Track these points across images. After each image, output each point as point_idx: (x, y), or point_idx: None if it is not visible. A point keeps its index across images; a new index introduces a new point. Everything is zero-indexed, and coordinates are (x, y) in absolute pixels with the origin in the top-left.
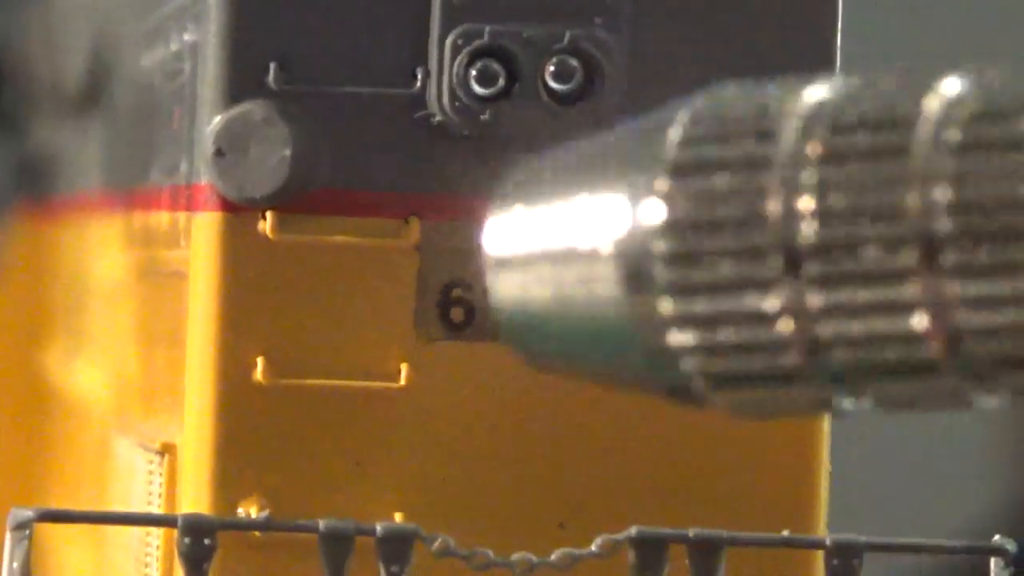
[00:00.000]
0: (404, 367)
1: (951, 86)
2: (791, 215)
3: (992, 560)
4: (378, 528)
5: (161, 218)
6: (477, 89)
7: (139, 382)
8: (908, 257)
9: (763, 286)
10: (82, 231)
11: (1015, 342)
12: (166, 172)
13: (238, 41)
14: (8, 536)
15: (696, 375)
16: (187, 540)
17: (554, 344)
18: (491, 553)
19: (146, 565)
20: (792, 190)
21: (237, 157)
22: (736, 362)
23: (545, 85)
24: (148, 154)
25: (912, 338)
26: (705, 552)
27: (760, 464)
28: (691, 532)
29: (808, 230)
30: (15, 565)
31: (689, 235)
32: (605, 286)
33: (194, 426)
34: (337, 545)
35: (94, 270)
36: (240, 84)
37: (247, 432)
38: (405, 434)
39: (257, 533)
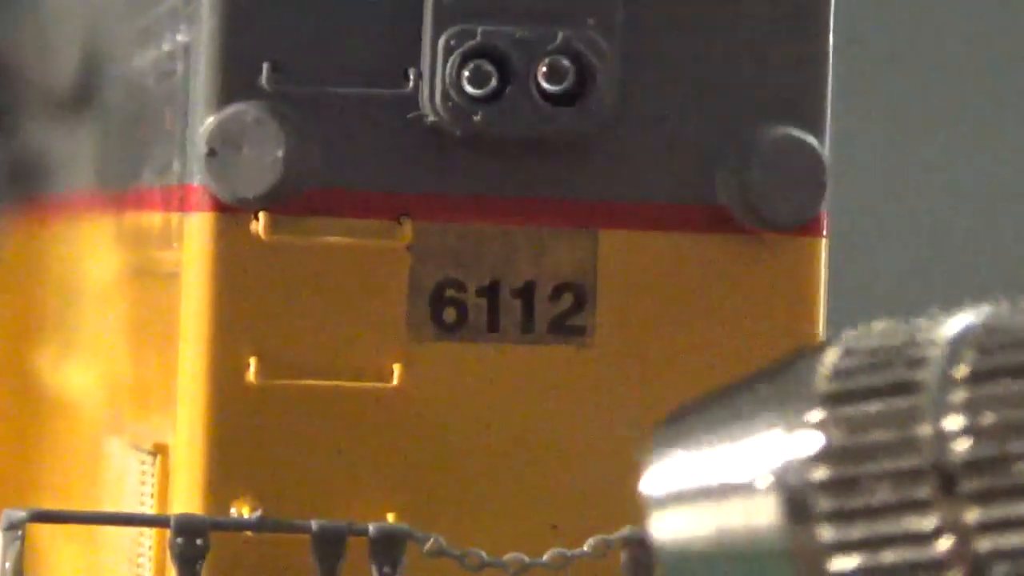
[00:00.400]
0: (397, 367)
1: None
2: (942, 435)
3: None
4: (371, 528)
5: (153, 218)
6: (469, 90)
7: (131, 383)
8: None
9: (920, 506)
10: (74, 231)
11: None
12: (158, 172)
13: (231, 42)
14: (1, 536)
15: None
16: (180, 540)
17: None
18: (484, 553)
19: (139, 565)
20: (942, 411)
21: (230, 157)
22: None
23: (537, 86)
24: (140, 154)
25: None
26: None
27: None
28: None
29: (960, 448)
30: (8, 565)
31: (845, 462)
32: (765, 519)
33: (186, 426)
34: (330, 545)
35: (86, 270)
36: (233, 85)
37: (240, 432)
38: (398, 434)
39: (250, 533)
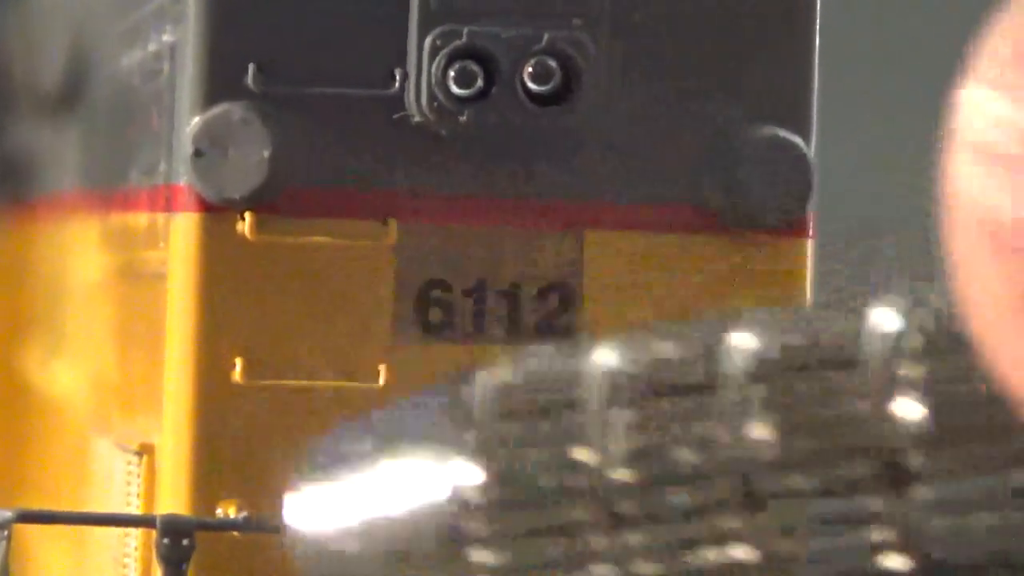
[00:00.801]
0: (382, 368)
1: (740, 340)
2: (601, 463)
3: None
4: None
5: (140, 219)
6: (455, 90)
7: (118, 383)
8: (732, 518)
9: (582, 529)
10: (61, 232)
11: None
12: (145, 173)
13: (217, 42)
14: None
15: None
16: (166, 540)
17: None
18: None
19: (125, 565)
20: (606, 458)
21: (216, 158)
22: None
23: (524, 86)
24: (127, 155)
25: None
26: None
27: None
28: None
29: (620, 500)
30: None
31: (504, 486)
32: (424, 548)
33: (173, 427)
34: None
35: (74, 271)
36: (219, 85)
37: (226, 432)
38: None
39: (236, 533)
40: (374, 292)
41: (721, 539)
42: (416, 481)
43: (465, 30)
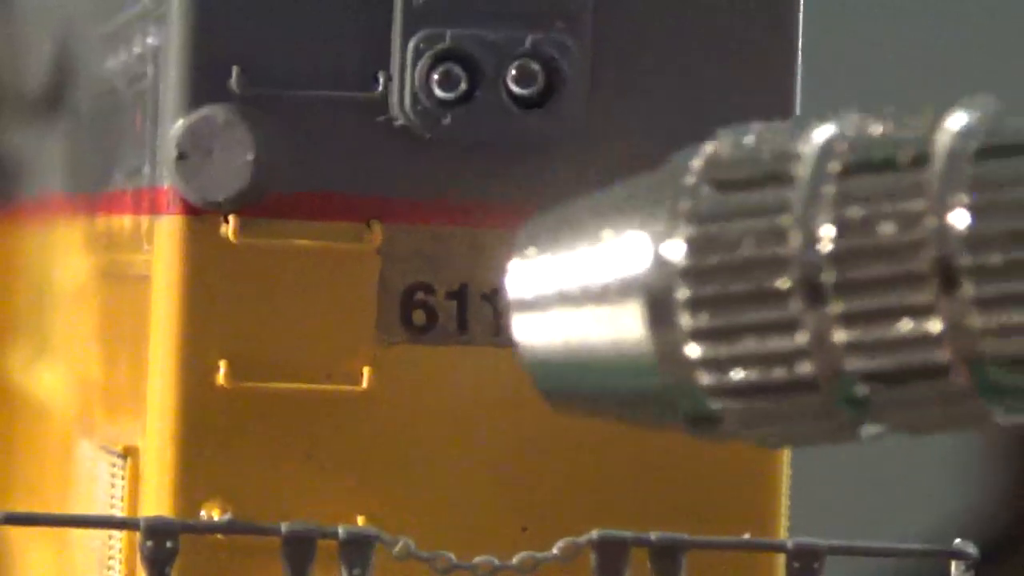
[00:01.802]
0: (366, 370)
1: (957, 121)
2: (811, 254)
3: (953, 564)
4: (340, 531)
5: (124, 221)
6: (439, 93)
7: (102, 385)
8: (927, 291)
9: (787, 325)
10: (46, 234)
11: None
12: (129, 175)
13: (200, 45)
14: None
15: (725, 413)
16: (149, 543)
17: (579, 385)
18: (453, 556)
19: (109, 568)
20: (811, 229)
21: (199, 160)
22: (764, 400)
23: (507, 89)
24: (111, 157)
25: (937, 368)
26: (667, 555)
27: (722, 468)
28: (653, 535)
29: (828, 267)
30: None
31: (710, 280)
32: (630, 330)
33: (156, 429)
34: (299, 548)
35: (58, 273)
36: (202, 88)
37: (209, 435)
38: (367, 437)
39: (219, 536)
40: (358, 295)
41: (916, 312)
42: (626, 244)
43: (448, 33)
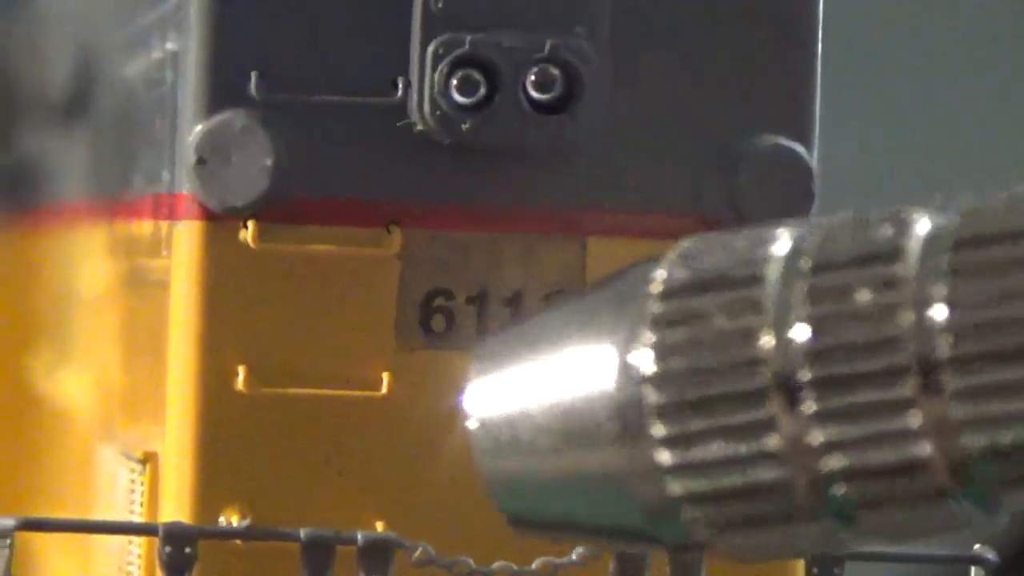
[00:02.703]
0: (385, 376)
1: (930, 218)
2: (786, 352)
3: (973, 570)
4: (359, 537)
5: (143, 227)
6: (458, 98)
7: (122, 391)
8: (906, 386)
9: (761, 428)
10: (67, 240)
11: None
12: (148, 181)
13: (219, 50)
14: None
15: (698, 523)
16: (168, 549)
17: (545, 506)
18: (472, 562)
19: (128, 574)
20: (783, 329)
21: (218, 166)
22: (739, 507)
23: (526, 94)
24: (131, 163)
25: (918, 467)
26: (686, 560)
27: None
28: None
29: (804, 368)
30: None
31: (681, 384)
32: (599, 445)
33: (175, 435)
34: (318, 554)
35: (78, 279)
36: (221, 93)
37: (228, 441)
38: (386, 443)
39: (238, 542)
40: (377, 300)
41: (895, 407)
42: (590, 356)
43: (467, 38)
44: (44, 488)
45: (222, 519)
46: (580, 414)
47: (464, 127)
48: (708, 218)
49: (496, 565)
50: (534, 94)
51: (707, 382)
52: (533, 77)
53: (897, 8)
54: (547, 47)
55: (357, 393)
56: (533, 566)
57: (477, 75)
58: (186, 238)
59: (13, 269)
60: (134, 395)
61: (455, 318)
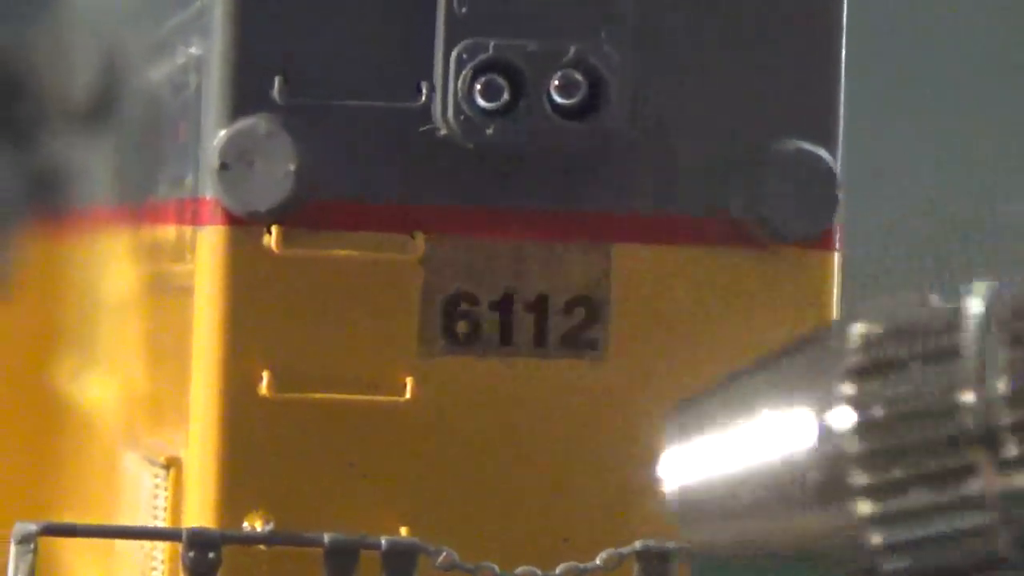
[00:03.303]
0: (409, 381)
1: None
2: (986, 401)
3: None
4: (383, 542)
5: (168, 232)
6: (482, 103)
7: (146, 396)
8: None
9: (963, 474)
10: (92, 245)
11: None
12: (173, 185)
13: (243, 55)
14: (12, 550)
15: (900, 574)
16: (192, 554)
17: (750, 570)
18: (496, 567)
19: None
20: (983, 374)
21: (242, 171)
22: (941, 555)
23: (550, 99)
24: (155, 167)
25: None
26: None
27: None
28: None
29: (1005, 414)
30: None
31: (881, 433)
32: (801, 499)
33: (199, 440)
34: (342, 559)
35: (103, 284)
36: (245, 98)
37: (252, 446)
38: (410, 448)
39: (262, 547)
40: (401, 305)
41: None
42: (789, 432)
43: (491, 43)
44: (69, 493)
45: (246, 524)
46: (781, 471)
47: (488, 132)
48: (732, 223)
49: (520, 570)
50: (558, 99)
51: (908, 430)
52: (557, 82)
53: (921, 12)
54: (571, 52)
55: (380, 398)
56: (557, 571)
57: (501, 80)
58: (210, 243)
59: (43, 273)
60: (158, 400)
61: (479, 323)
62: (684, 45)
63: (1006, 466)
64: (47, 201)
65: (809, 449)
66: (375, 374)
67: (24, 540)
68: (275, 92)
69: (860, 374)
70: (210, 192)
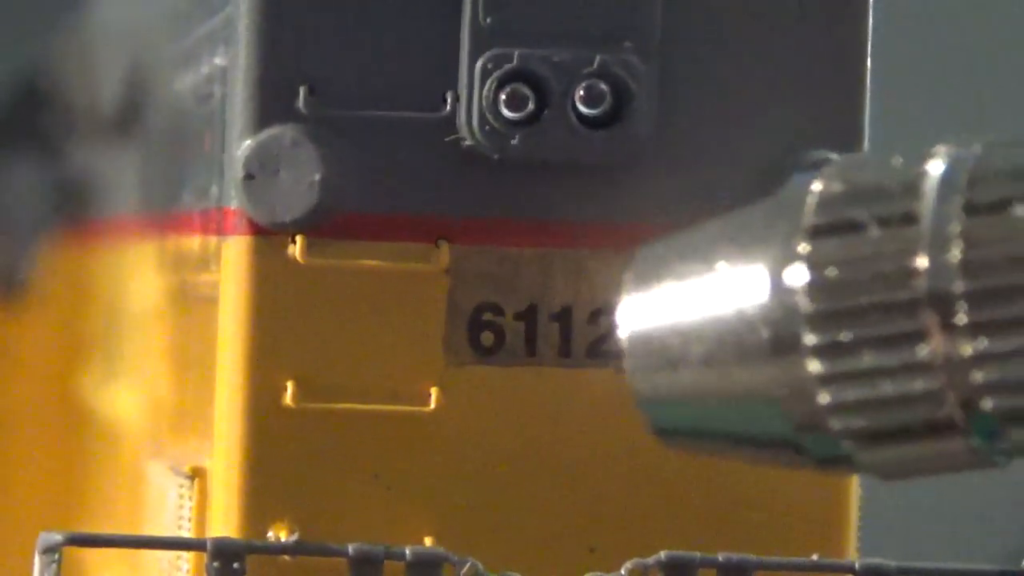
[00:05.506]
0: (434, 391)
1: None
2: (940, 268)
3: None
4: (408, 552)
5: (192, 242)
6: (507, 113)
7: (171, 406)
8: None
9: (913, 339)
10: (117, 255)
11: None
12: (197, 196)
13: (268, 65)
14: (37, 560)
15: (847, 434)
16: (216, 564)
17: (696, 419)
18: None
19: None
20: (938, 241)
21: (267, 181)
22: (888, 417)
23: (575, 109)
24: (180, 178)
25: None
26: None
27: (790, 488)
28: (720, 556)
29: (958, 280)
30: None
31: (834, 293)
32: (751, 354)
33: (224, 450)
34: (367, 569)
35: (129, 293)
36: (270, 108)
37: (277, 456)
38: (435, 458)
39: (286, 557)
40: (425, 315)
41: None
42: (743, 268)
43: (516, 53)
44: (94, 503)
45: (270, 534)
46: (733, 324)
47: (513, 142)
48: None
49: None
50: (583, 109)
51: (861, 292)
52: (582, 92)
53: (948, 20)
54: (596, 62)
55: (405, 408)
56: None
57: (526, 90)
58: (234, 253)
59: (68, 283)
60: (183, 410)
61: (504, 333)
62: (708, 55)
63: (956, 332)
64: (73, 211)
65: (762, 305)
66: (400, 384)
67: (49, 550)
68: (300, 102)
69: (816, 234)
70: (235, 202)
